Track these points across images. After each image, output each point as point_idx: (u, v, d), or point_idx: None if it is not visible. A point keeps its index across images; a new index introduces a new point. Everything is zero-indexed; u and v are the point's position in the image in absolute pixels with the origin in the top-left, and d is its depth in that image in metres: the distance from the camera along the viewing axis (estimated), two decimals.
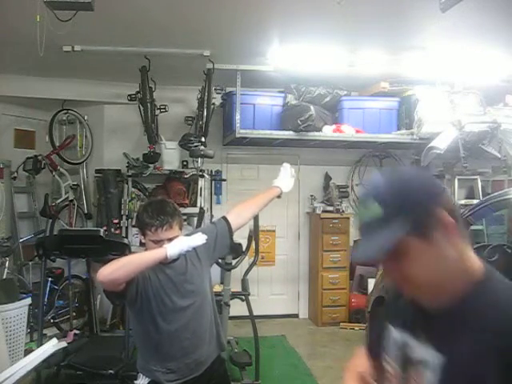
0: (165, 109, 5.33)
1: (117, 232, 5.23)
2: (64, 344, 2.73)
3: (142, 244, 2.16)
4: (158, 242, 1.99)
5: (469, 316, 0.93)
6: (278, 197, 2.44)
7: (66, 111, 5.70)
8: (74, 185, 5.65)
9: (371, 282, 5.23)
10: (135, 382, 2.21)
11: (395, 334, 1.10)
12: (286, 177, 2.45)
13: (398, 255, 0.95)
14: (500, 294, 0.95)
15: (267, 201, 2.38)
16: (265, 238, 5.91)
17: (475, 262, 1.00)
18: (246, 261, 4.23)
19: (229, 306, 4.09)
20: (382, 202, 0.96)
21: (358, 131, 5.39)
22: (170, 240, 1.97)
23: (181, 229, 2.07)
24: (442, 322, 0.97)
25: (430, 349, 0.98)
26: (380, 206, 0.96)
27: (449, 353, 0.93)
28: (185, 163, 5.53)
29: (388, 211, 0.95)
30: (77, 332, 4.59)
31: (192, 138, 4.93)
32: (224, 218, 2.28)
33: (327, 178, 6.18)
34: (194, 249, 2.01)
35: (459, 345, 0.92)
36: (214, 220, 2.29)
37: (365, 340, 1.29)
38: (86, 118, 5.82)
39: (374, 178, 1.03)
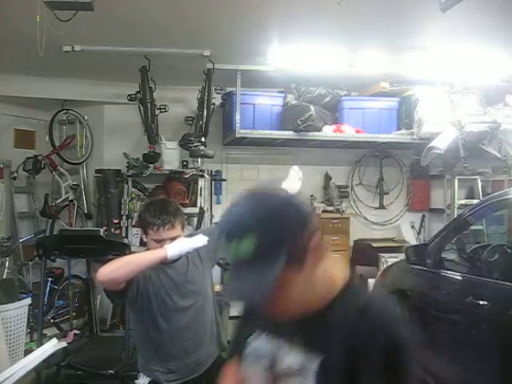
0: (165, 109, 5.33)
1: (117, 232, 5.22)
2: (64, 344, 2.73)
3: (142, 244, 2.18)
4: (160, 242, 1.99)
5: (331, 323, 1.01)
6: None
7: (66, 111, 5.69)
8: (73, 185, 5.65)
9: (371, 282, 5.23)
10: (136, 381, 2.21)
11: (262, 345, 1.11)
12: (294, 180, 2.43)
13: (176, 237, 0.96)
14: (352, 302, 1.03)
15: None
16: None
17: (337, 275, 1.07)
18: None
19: (229, 305, 4.08)
20: (256, 236, 0.92)
21: (357, 131, 5.39)
22: (172, 239, 1.97)
23: (183, 228, 2.07)
24: (311, 330, 1.02)
25: (301, 355, 1.03)
26: (255, 242, 0.91)
27: (319, 356, 1.00)
28: (185, 163, 5.53)
29: (264, 246, 0.92)
30: (77, 332, 4.59)
31: (192, 138, 4.93)
32: None
33: (327, 177, 6.18)
34: (196, 249, 2.01)
35: (325, 348, 0.99)
36: (216, 221, 2.27)
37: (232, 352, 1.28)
38: (86, 117, 5.81)
39: (240, 209, 0.96)
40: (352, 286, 1.08)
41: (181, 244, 1.94)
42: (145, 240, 2.10)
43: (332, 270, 1.06)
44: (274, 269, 0.92)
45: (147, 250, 2.08)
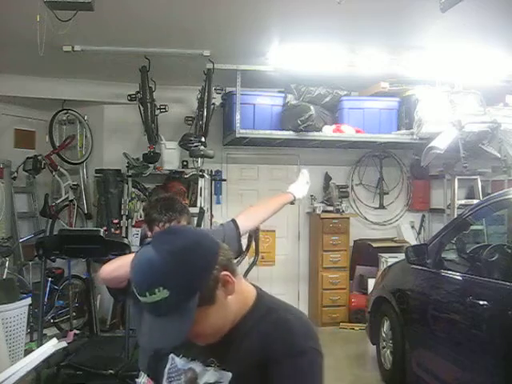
0: (165, 109, 5.33)
1: (117, 232, 5.22)
2: (64, 344, 2.72)
3: (142, 243, 2.17)
4: None
5: (242, 337, 1.08)
6: (291, 203, 2.38)
7: (66, 111, 5.69)
8: (74, 185, 5.65)
9: (371, 282, 5.23)
10: (137, 380, 2.21)
11: (179, 363, 1.16)
12: (302, 183, 2.41)
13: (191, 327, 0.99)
14: (257, 313, 1.10)
15: (279, 206, 2.32)
16: (265, 238, 5.90)
17: (248, 292, 1.13)
18: (246, 261, 4.23)
19: None
20: (168, 286, 0.94)
21: (357, 131, 5.39)
22: None
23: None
24: (224, 346, 1.08)
25: (218, 371, 1.09)
26: (166, 290, 0.94)
27: (233, 369, 1.07)
28: (185, 163, 5.53)
29: (175, 294, 0.95)
30: (77, 332, 4.60)
31: (192, 138, 4.93)
32: (233, 220, 2.19)
33: (327, 178, 6.18)
34: None
35: (238, 360, 1.07)
36: (223, 222, 2.24)
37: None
38: (86, 117, 5.81)
39: (147, 260, 0.97)
40: (260, 300, 1.13)
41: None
42: (150, 237, 2.09)
43: (242, 289, 1.11)
44: (187, 315, 0.97)
45: None
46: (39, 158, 5.42)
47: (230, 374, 1.08)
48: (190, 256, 0.98)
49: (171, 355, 1.19)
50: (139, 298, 0.98)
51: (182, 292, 0.96)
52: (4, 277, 4.50)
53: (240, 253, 2.34)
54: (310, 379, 1.03)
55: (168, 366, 1.19)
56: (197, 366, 1.13)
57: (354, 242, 6.10)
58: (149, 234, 2.11)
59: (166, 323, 0.97)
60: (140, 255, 1.00)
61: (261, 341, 1.06)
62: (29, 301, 3.90)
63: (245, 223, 2.20)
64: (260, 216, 2.29)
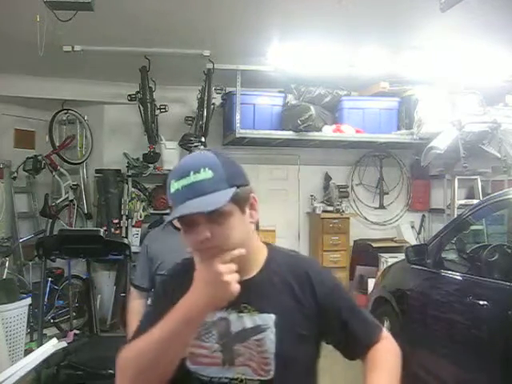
0: (165, 109, 5.33)
1: (117, 232, 5.22)
2: (64, 344, 2.73)
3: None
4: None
5: (272, 277, 1.15)
6: None
7: (66, 111, 5.69)
8: (73, 185, 5.65)
9: (371, 282, 5.22)
10: None
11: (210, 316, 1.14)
12: None
13: (220, 218, 1.02)
14: (281, 256, 1.22)
15: None
16: (265, 238, 5.84)
17: (260, 243, 1.22)
18: None
19: None
20: (214, 168, 1.03)
21: (357, 131, 5.39)
22: None
23: None
24: (255, 289, 1.13)
25: (256, 315, 1.12)
26: (212, 171, 1.02)
27: (275, 310, 1.12)
28: None
29: (218, 177, 1.02)
30: (77, 332, 4.59)
31: (192, 138, 4.94)
32: None
33: (327, 178, 6.18)
34: None
35: (277, 301, 1.13)
36: None
37: None
38: (86, 118, 5.81)
39: (201, 153, 1.11)
40: (273, 248, 1.25)
41: None
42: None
43: (258, 238, 1.20)
44: (224, 195, 1.01)
45: None
46: (39, 157, 5.42)
47: (273, 316, 1.11)
48: (237, 164, 1.10)
49: None
50: (175, 184, 1.04)
51: (223, 178, 1.03)
52: (4, 277, 4.50)
53: None
54: (342, 290, 1.24)
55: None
56: (227, 315, 1.13)
57: (354, 242, 6.10)
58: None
59: (204, 194, 1.01)
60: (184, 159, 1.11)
61: (292, 272, 1.17)
62: (29, 301, 3.90)
63: None
64: None
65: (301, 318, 1.13)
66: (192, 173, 1.01)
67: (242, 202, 1.07)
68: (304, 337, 1.13)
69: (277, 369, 1.10)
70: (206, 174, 1.01)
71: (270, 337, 1.10)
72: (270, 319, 1.11)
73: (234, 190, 1.03)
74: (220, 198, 1.00)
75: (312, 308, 1.14)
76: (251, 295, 1.11)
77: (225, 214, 1.02)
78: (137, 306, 2.23)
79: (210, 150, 1.11)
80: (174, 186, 1.04)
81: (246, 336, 1.11)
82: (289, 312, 1.12)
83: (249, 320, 1.12)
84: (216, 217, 1.02)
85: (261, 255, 1.19)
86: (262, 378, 1.10)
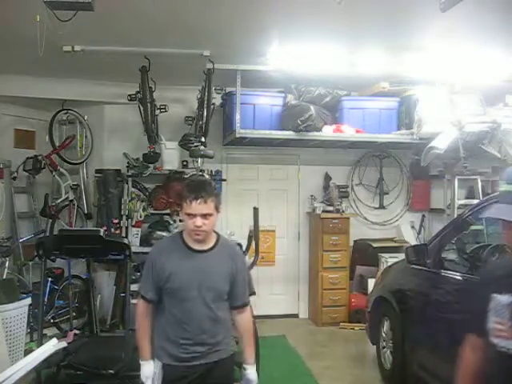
0: (165, 109, 5.33)
1: (117, 232, 5.22)
2: (64, 344, 2.73)
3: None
4: (192, 216, 2.13)
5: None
6: None
7: (66, 111, 5.70)
8: (74, 185, 5.65)
9: (371, 282, 5.23)
10: (142, 367, 2.23)
11: (503, 299, 1.52)
12: None
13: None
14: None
15: None
16: (265, 238, 5.90)
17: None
18: (246, 261, 4.23)
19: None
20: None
21: (357, 131, 5.39)
22: (204, 216, 2.12)
23: (217, 209, 2.19)
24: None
25: None
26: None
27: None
28: (185, 163, 5.53)
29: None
30: (77, 332, 4.59)
31: (192, 138, 4.93)
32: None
33: (327, 178, 6.18)
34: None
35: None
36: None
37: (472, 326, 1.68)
38: (86, 117, 5.82)
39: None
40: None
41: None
42: (181, 218, 2.24)
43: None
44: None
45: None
46: (39, 158, 5.42)
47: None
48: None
49: (493, 295, 1.55)
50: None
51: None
52: (4, 277, 4.50)
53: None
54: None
55: (493, 305, 1.54)
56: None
57: (354, 242, 6.11)
58: (181, 214, 2.27)
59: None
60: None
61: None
62: (29, 301, 3.91)
63: None
64: None
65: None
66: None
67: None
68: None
69: None
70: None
71: None
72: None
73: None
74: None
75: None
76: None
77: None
78: (143, 308, 2.26)
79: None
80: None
81: None
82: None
83: None
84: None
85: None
86: None
